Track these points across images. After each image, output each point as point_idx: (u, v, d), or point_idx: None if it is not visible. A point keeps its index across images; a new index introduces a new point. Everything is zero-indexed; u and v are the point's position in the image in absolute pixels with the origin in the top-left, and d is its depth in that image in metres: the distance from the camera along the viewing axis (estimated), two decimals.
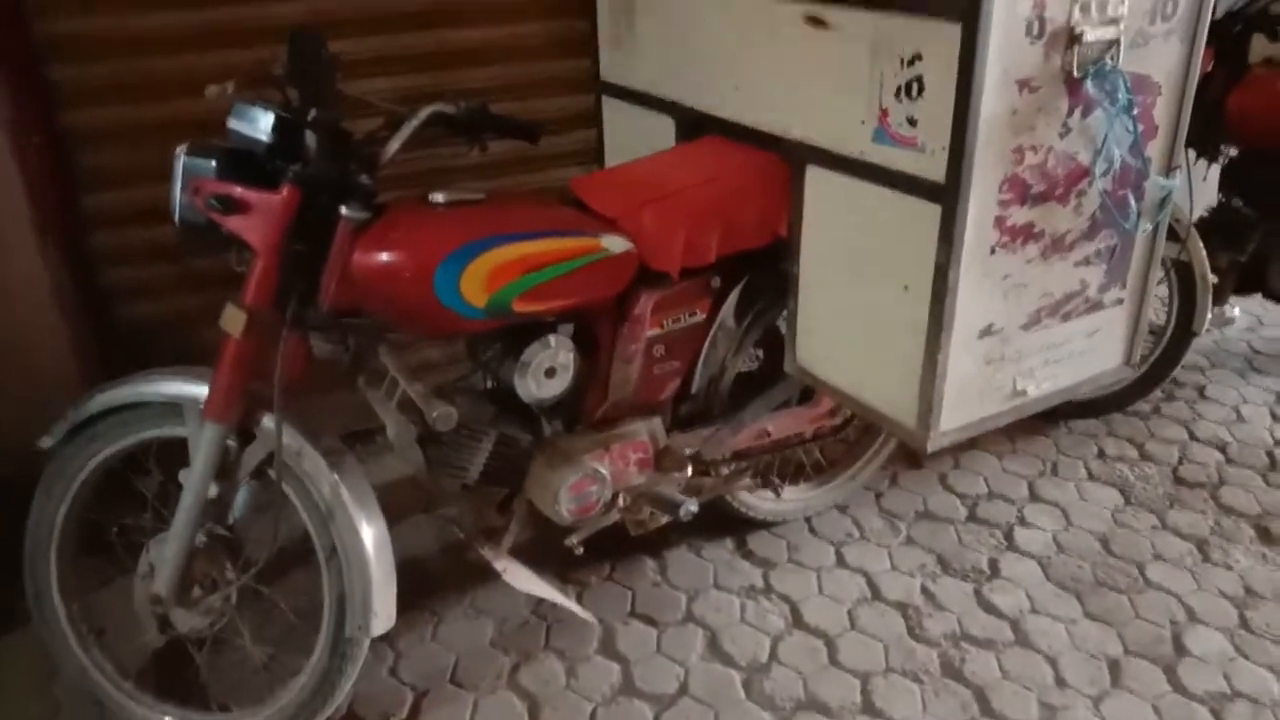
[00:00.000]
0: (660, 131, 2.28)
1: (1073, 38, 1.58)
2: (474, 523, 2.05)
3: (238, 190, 1.56)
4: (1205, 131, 2.64)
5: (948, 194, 1.62)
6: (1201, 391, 3.12)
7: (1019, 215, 1.71)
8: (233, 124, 1.59)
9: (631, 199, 1.90)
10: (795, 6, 1.81)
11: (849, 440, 2.49)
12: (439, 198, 1.72)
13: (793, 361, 2.09)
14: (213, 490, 1.71)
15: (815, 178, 1.88)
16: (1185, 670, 2.06)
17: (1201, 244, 2.66)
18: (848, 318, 1.93)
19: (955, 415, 1.84)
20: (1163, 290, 2.76)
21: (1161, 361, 2.85)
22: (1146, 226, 1.92)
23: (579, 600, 2.25)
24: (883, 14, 1.64)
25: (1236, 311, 3.06)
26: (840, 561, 2.41)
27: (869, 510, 2.58)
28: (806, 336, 2.05)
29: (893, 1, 1.61)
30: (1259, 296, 3.03)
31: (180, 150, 1.58)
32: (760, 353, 2.31)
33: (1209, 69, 2.64)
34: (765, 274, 2.07)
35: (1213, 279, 2.70)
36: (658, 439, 2.10)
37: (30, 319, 2.32)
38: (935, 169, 1.62)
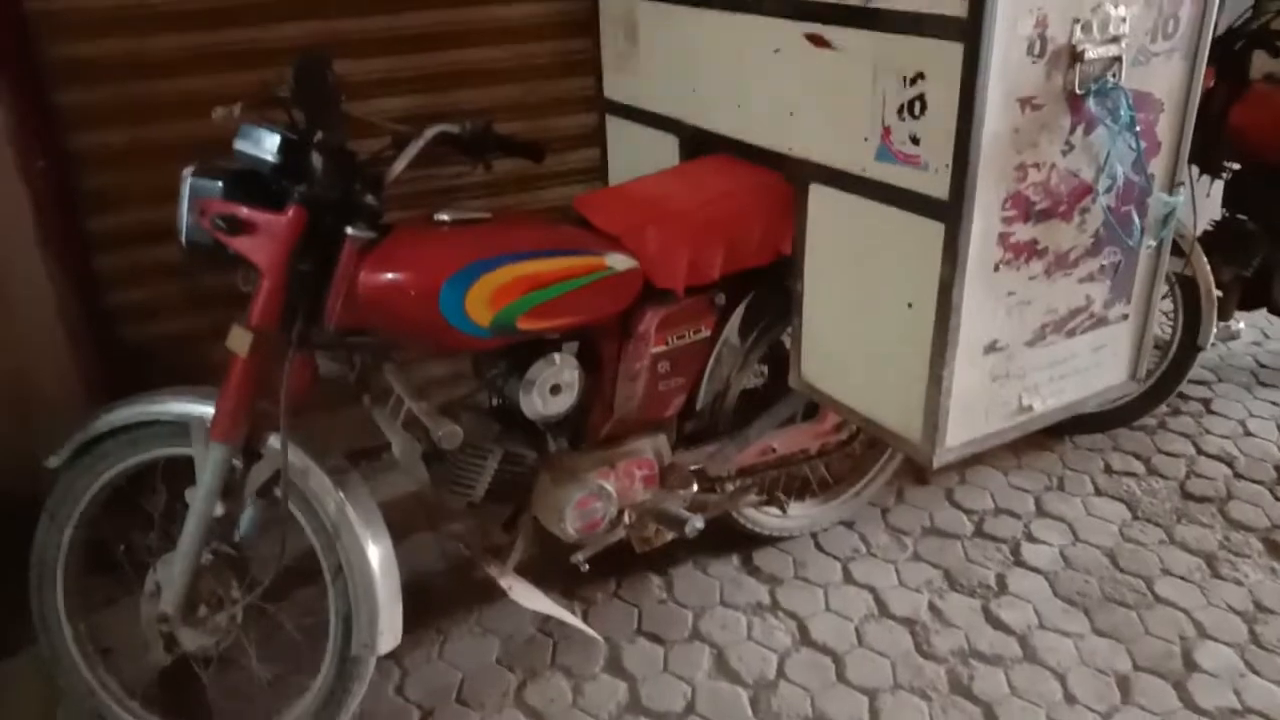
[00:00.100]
0: (664, 150, 2.29)
1: (1074, 56, 1.59)
2: (480, 540, 2.05)
3: (244, 211, 1.57)
4: (1208, 147, 2.65)
5: (951, 211, 1.62)
6: (1208, 406, 3.11)
7: (1023, 232, 1.72)
8: (239, 145, 1.60)
9: (636, 217, 1.91)
10: (797, 25, 1.82)
11: (854, 456, 2.49)
12: (444, 217, 1.73)
13: (797, 378, 2.10)
14: (219, 509, 1.71)
15: (818, 195, 1.89)
16: (1195, 686, 2.05)
17: (1205, 259, 2.66)
18: (852, 335, 1.93)
19: (961, 431, 1.84)
20: (1167, 305, 2.76)
21: (1167, 376, 2.85)
22: (1150, 243, 1.93)
23: (585, 618, 2.25)
24: (885, 33, 1.65)
25: (1241, 326, 3.06)
26: (847, 578, 2.40)
27: (875, 526, 2.58)
28: (811, 353, 2.05)
29: (895, 21, 1.62)
30: (1264, 311, 3.03)
31: (187, 171, 1.60)
32: (765, 369, 2.31)
33: (1210, 85, 2.64)
34: (769, 291, 2.08)
35: (1217, 294, 2.69)
36: (663, 456, 2.10)
37: (36, 339, 2.33)
38: (938, 187, 1.63)
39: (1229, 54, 2.71)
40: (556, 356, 1.87)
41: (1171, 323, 2.79)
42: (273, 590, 1.78)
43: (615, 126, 2.55)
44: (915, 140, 1.65)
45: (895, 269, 1.77)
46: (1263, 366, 3.36)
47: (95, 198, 2.37)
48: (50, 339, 2.34)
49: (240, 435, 1.67)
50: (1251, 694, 2.03)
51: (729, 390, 2.16)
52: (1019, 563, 2.44)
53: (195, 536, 1.71)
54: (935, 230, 1.65)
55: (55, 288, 2.32)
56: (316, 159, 1.57)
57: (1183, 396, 3.09)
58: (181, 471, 1.74)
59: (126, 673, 1.93)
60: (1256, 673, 2.08)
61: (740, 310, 2.09)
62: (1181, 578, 2.37)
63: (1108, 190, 1.77)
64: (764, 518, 2.42)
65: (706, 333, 2.03)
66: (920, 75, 1.61)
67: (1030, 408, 1.93)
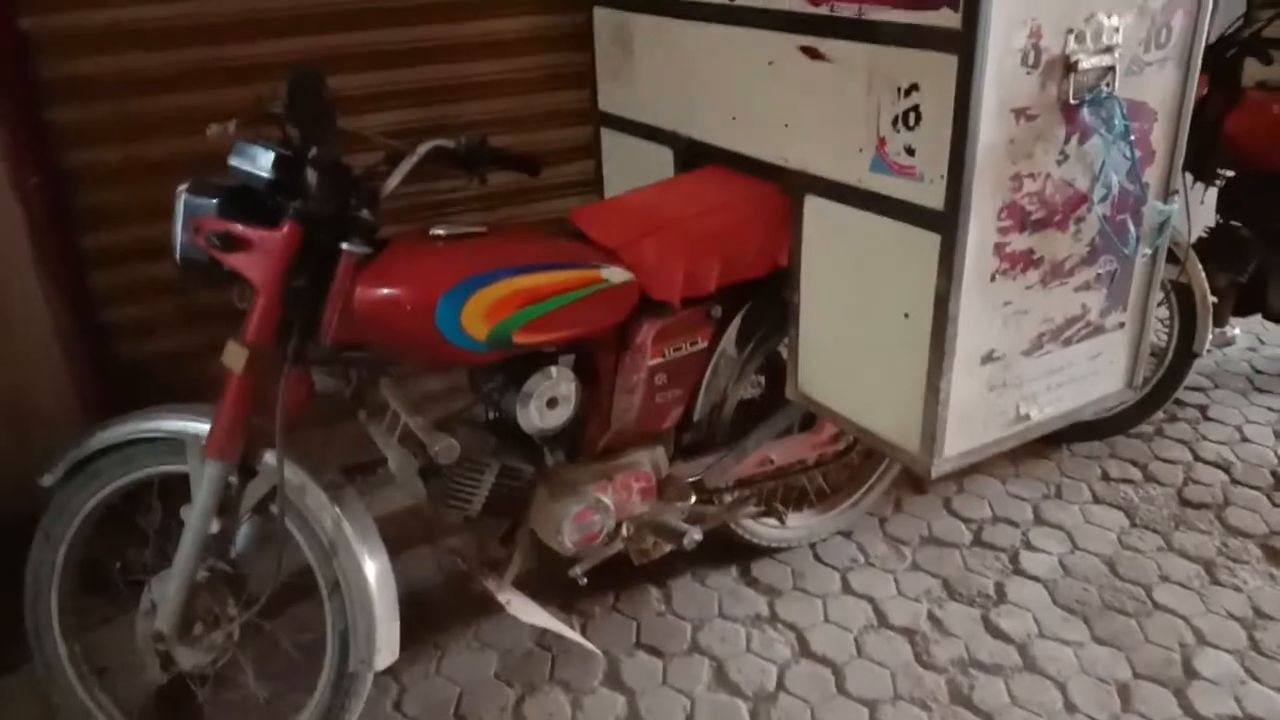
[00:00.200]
0: (659, 162, 2.30)
1: (1068, 66, 1.60)
2: (477, 554, 2.04)
3: (239, 228, 1.57)
4: (1201, 154, 2.66)
5: (947, 222, 1.62)
6: (1204, 412, 3.12)
7: (1018, 242, 1.72)
8: (234, 162, 1.60)
9: (631, 229, 1.91)
10: (791, 38, 1.83)
11: (852, 466, 2.49)
12: (440, 231, 1.72)
13: (795, 388, 2.09)
14: (214, 526, 1.70)
15: (814, 207, 1.89)
16: (1196, 693, 2.05)
17: (1200, 266, 2.67)
18: (849, 345, 1.93)
19: (958, 441, 1.84)
20: (1163, 312, 2.76)
21: (1163, 383, 2.85)
22: (1146, 251, 1.93)
23: (583, 631, 2.24)
24: (879, 45, 1.65)
25: (1237, 332, 3.06)
26: (846, 588, 2.39)
27: (874, 536, 2.57)
28: (808, 364, 2.05)
29: (889, 33, 1.62)
30: (1259, 317, 3.03)
31: (182, 189, 1.59)
32: (762, 380, 2.31)
33: (1203, 93, 2.66)
34: (766, 302, 2.08)
35: (1212, 300, 2.70)
36: (660, 468, 2.10)
37: (32, 356, 2.32)
38: (934, 197, 1.63)
39: (1221, 62, 2.73)
40: (553, 370, 1.87)
41: (1167, 329, 2.80)
42: (269, 607, 1.77)
43: (610, 139, 2.55)
44: (910, 151, 1.65)
45: (891, 280, 1.77)
46: (1258, 372, 3.37)
47: (90, 215, 2.37)
48: (46, 356, 2.34)
49: (236, 452, 1.67)
50: (1252, 700, 2.03)
51: (726, 402, 2.15)
52: (1018, 571, 2.43)
53: (191, 554, 1.70)
54: (931, 241, 1.66)
55: (50, 305, 2.31)
56: (311, 175, 1.57)
57: (1179, 403, 3.09)
58: (177, 489, 1.73)
59: (122, 692, 1.92)
60: (1257, 679, 2.08)
61: (737, 322, 2.08)
62: (1180, 585, 2.37)
63: (1103, 199, 1.77)
64: (762, 529, 2.41)
65: (703, 344, 2.03)
66: (915, 86, 1.61)
67: (1028, 417, 1.93)
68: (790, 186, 1.93)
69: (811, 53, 1.79)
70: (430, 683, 2.13)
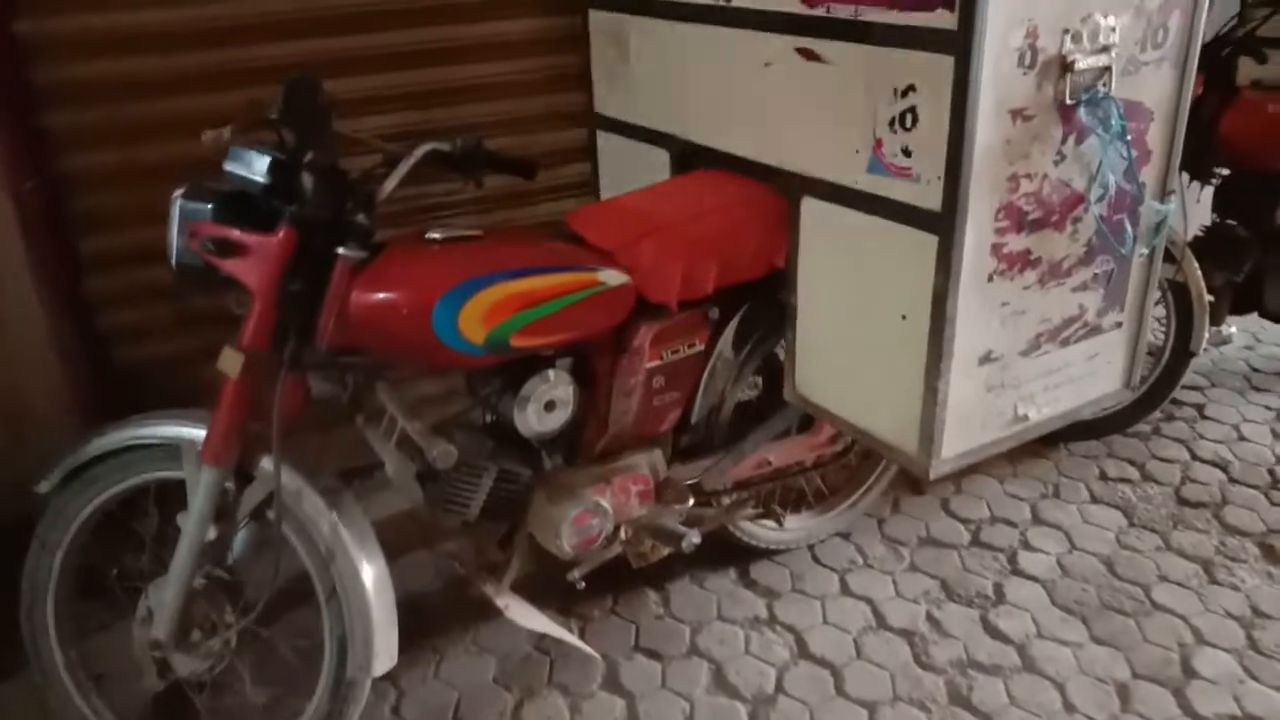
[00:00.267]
0: (655, 164, 2.29)
1: (1065, 66, 1.60)
2: (475, 559, 2.04)
3: (234, 233, 1.56)
4: (1197, 153, 2.66)
5: (944, 223, 1.62)
6: (1201, 411, 3.12)
7: (1016, 242, 1.72)
8: (229, 167, 1.59)
9: (628, 232, 1.91)
10: (787, 39, 1.82)
11: (850, 467, 2.49)
12: (436, 235, 1.72)
13: (792, 390, 2.09)
14: (211, 532, 1.69)
15: (811, 209, 1.89)
16: (1194, 693, 2.05)
17: (1196, 264, 2.67)
18: (847, 347, 1.93)
19: (956, 442, 1.84)
20: (1159, 311, 2.76)
21: (1160, 382, 2.85)
22: (1143, 251, 1.93)
23: (582, 635, 2.24)
24: (875, 46, 1.65)
25: (1233, 330, 3.07)
26: (844, 589, 2.39)
27: (872, 537, 2.57)
28: (806, 365, 2.04)
29: (885, 34, 1.62)
30: (1255, 315, 3.03)
31: (177, 194, 1.59)
32: (759, 382, 2.31)
33: (1198, 93, 2.66)
34: (763, 304, 2.07)
35: (1209, 299, 2.70)
36: (658, 471, 2.09)
37: (28, 360, 2.31)
38: (931, 198, 1.63)
39: (1216, 61, 2.73)
40: (550, 373, 1.87)
41: (1164, 329, 2.80)
42: (266, 613, 1.76)
43: (606, 141, 2.55)
44: (907, 152, 1.65)
45: (889, 281, 1.77)
46: (1255, 371, 3.37)
47: (86, 219, 2.36)
48: (42, 360, 2.33)
49: (232, 457, 1.66)
50: (1251, 700, 2.03)
51: (724, 404, 2.15)
52: (1016, 572, 2.43)
53: (187, 560, 1.69)
54: (928, 242, 1.66)
55: (46, 309, 2.30)
56: (307, 179, 1.56)
57: (1176, 402, 3.09)
58: (173, 495, 1.73)
59: (119, 699, 1.91)
60: (1255, 678, 2.08)
61: (734, 324, 2.08)
62: (1179, 584, 2.37)
63: (1100, 199, 1.77)
64: (760, 531, 2.41)
65: (701, 347, 2.03)
66: (911, 88, 1.61)
67: (1026, 417, 1.93)
68: (787, 188, 1.92)
69: (808, 54, 1.79)
70: (428, 687, 2.12)
